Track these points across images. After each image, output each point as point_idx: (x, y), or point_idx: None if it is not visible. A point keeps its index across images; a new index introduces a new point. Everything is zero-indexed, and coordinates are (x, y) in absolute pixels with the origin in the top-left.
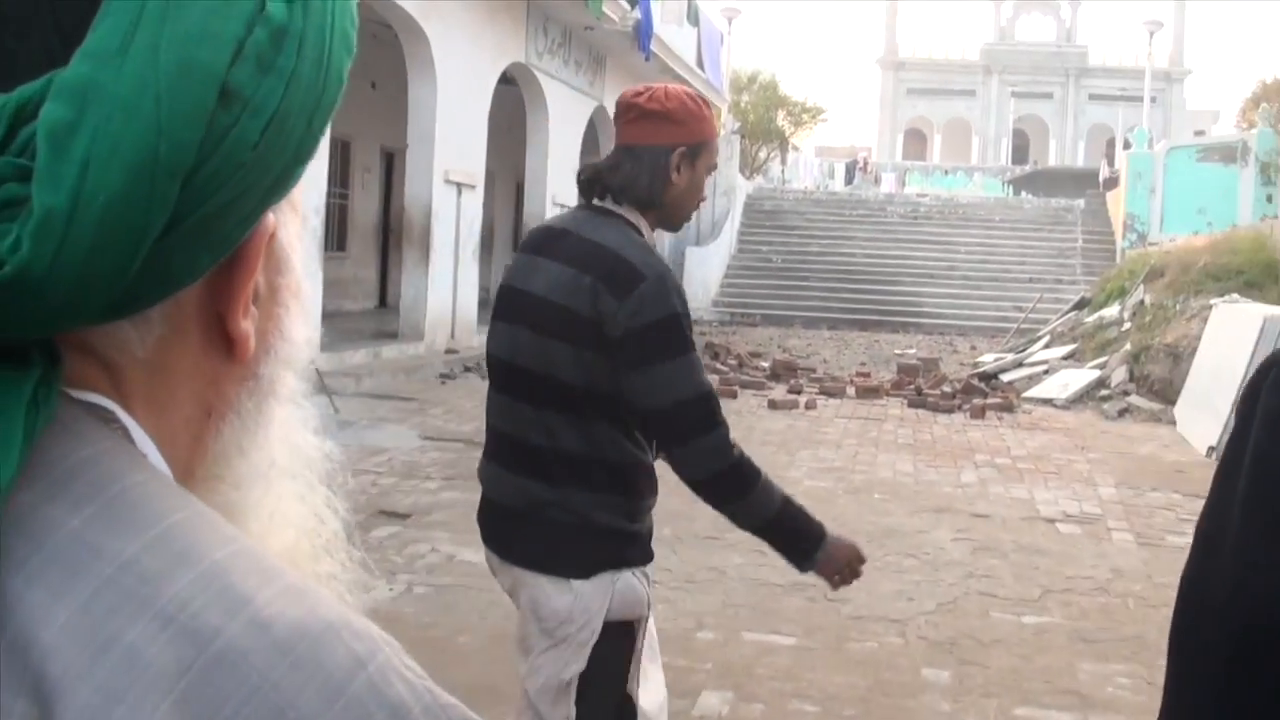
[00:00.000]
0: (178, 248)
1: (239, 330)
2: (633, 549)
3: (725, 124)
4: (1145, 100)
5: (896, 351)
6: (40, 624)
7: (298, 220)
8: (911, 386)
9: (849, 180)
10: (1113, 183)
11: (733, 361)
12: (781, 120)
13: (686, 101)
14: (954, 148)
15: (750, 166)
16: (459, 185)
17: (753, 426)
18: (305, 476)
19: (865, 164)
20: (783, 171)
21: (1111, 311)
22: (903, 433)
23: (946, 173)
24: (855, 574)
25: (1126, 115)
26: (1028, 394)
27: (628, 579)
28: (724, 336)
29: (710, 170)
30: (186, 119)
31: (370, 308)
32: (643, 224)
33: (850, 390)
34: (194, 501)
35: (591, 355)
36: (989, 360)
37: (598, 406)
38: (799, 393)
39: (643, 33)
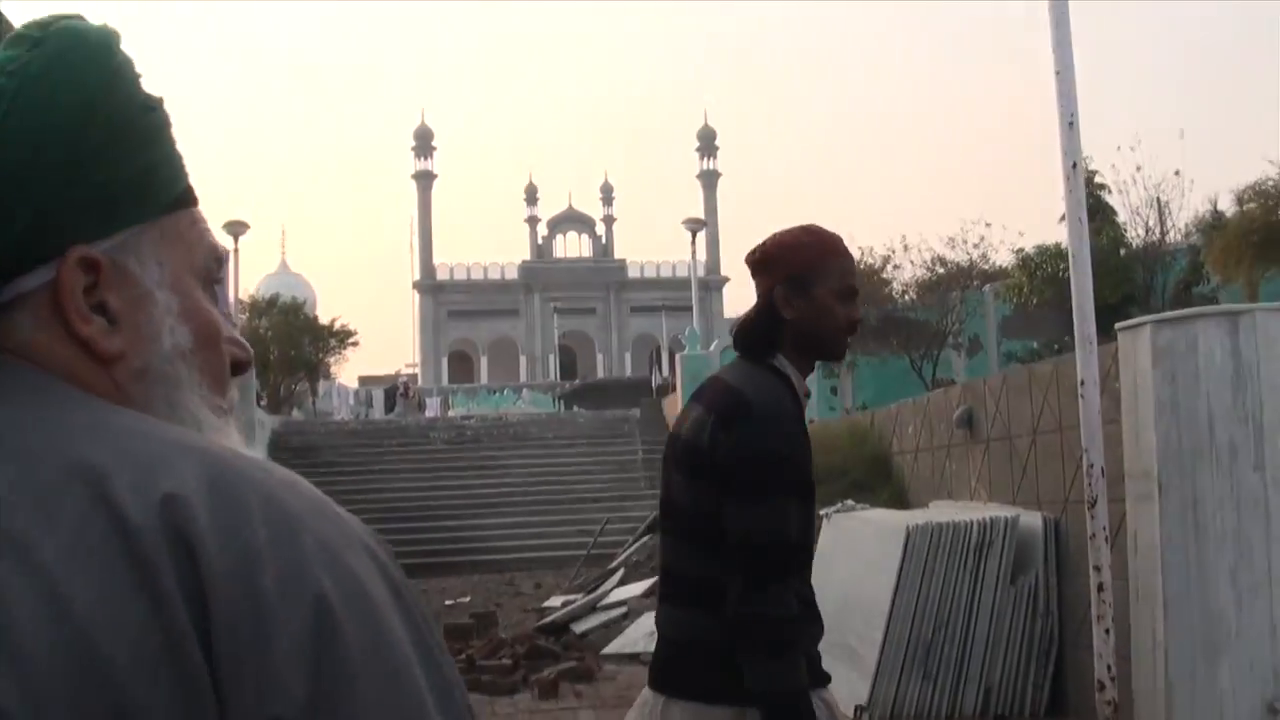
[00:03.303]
0: None
1: (80, 333)
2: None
3: None
4: (694, 294)
5: (448, 603)
6: (95, 453)
7: (185, 260)
8: (462, 657)
9: (390, 408)
10: (666, 389)
11: None
12: (309, 347)
13: (781, 239)
14: (501, 367)
15: (277, 399)
16: None
17: None
18: None
19: (407, 389)
20: (314, 403)
21: None
22: None
23: (493, 392)
24: None
25: (669, 324)
26: (608, 649)
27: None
28: None
29: (839, 289)
30: None
31: None
32: (788, 366)
33: None
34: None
35: (714, 486)
36: (557, 605)
37: None
38: None
39: None
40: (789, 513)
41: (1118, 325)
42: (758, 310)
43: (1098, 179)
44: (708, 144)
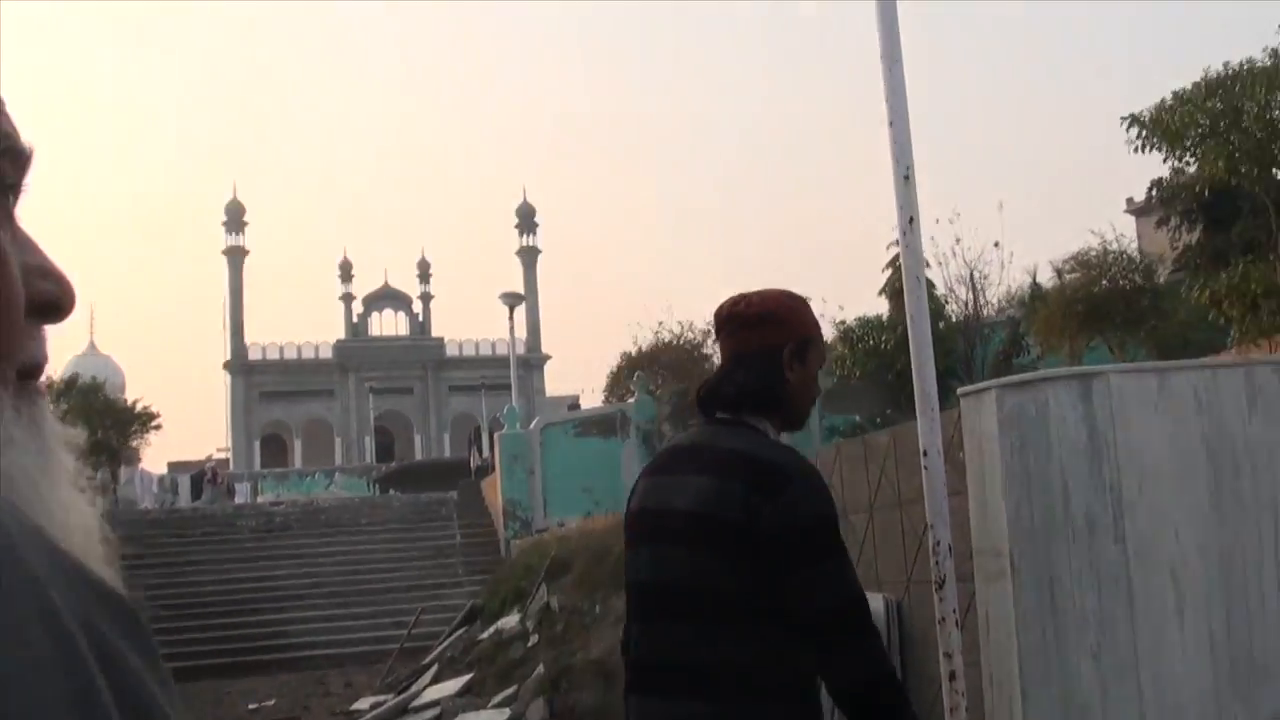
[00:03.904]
0: None
1: None
2: None
3: None
4: (513, 371)
5: (251, 707)
6: None
7: None
8: None
9: (197, 494)
10: (486, 470)
11: None
12: (111, 430)
13: (785, 300)
14: (316, 450)
15: None
16: None
17: None
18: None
19: (215, 474)
20: (115, 491)
21: (511, 622)
22: None
23: (304, 476)
24: None
25: (490, 403)
26: None
27: None
28: None
29: (821, 363)
30: None
31: None
32: (769, 428)
33: None
34: None
35: (748, 562)
36: (366, 708)
37: (763, 613)
38: None
39: None
40: (851, 568)
41: (960, 390)
42: (759, 370)
43: None
44: (527, 221)
